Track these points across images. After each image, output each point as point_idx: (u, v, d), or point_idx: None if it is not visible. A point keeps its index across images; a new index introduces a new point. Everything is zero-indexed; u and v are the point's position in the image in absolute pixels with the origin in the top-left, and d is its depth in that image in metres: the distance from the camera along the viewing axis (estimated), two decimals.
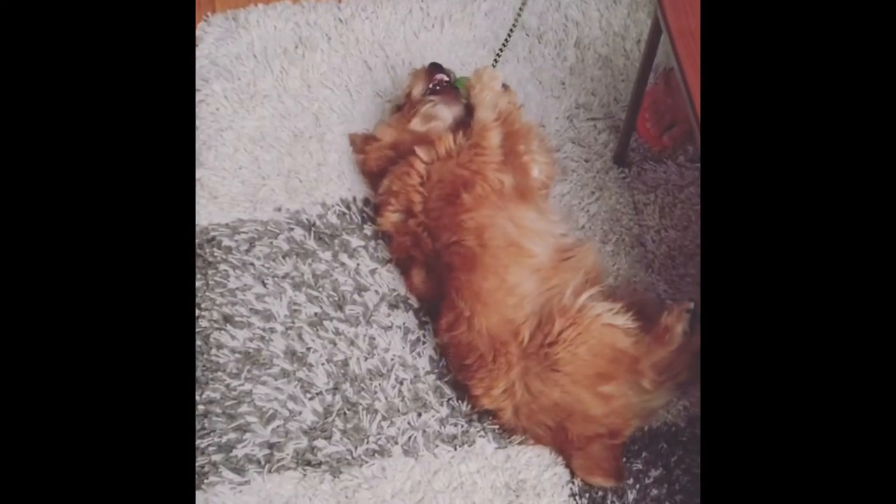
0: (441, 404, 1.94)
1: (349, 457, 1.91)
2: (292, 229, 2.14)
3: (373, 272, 2.08)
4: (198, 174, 2.20)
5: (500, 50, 2.19)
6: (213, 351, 2.01)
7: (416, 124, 2.05)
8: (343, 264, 2.09)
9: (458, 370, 1.91)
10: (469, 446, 1.90)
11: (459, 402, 1.94)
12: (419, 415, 1.94)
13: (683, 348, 1.84)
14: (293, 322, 2.04)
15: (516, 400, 1.82)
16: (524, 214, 1.92)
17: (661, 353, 1.81)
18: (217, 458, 1.91)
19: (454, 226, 1.88)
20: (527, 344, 1.80)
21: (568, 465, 1.87)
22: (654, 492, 1.85)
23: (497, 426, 1.90)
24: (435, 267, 1.94)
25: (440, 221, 1.91)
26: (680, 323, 1.83)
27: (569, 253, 1.93)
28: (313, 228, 2.13)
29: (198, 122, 2.27)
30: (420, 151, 1.97)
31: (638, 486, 1.85)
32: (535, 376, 1.79)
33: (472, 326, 1.83)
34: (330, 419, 1.94)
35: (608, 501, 1.84)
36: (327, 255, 2.10)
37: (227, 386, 1.98)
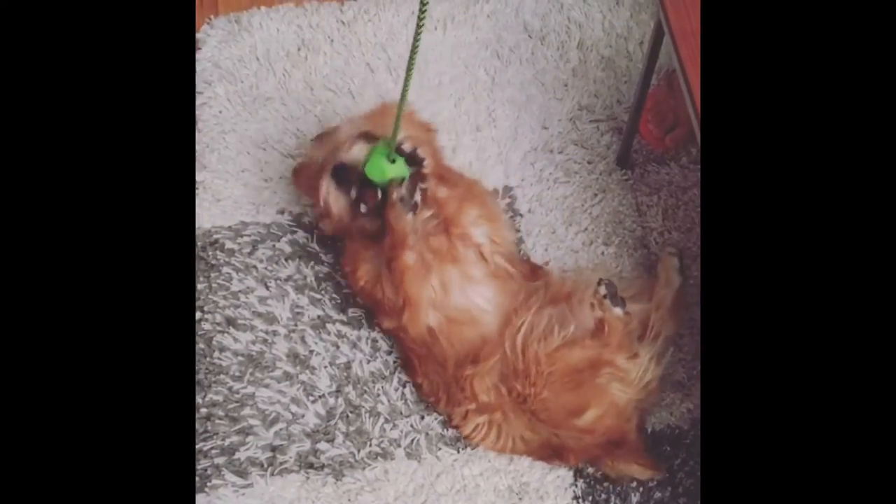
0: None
1: (352, 459, 1.91)
2: (295, 232, 2.14)
3: None
4: (201, 177, 2.20)
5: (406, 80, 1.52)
6: (216, 354, 2.01)
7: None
8: None
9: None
10: (472, 449, 1.90)
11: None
12: (422, 417, 1.94)
13: (661, 301, 1.89)
14: (296, 325, 2.04)
15: (503, 431, 1.84)
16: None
17: (627, 321, 1.81)
18: (220, 460, 1.91)
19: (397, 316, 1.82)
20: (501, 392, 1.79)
21: (599, 469, 1.86)
22: (658, 494, 1.84)
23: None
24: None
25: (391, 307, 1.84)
26: (673, 265, 1.93)
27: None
28: (316, 231, 2.12)
29: (201, 125, 2.27)
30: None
31: (641, 489, 1.84)
32: (520, 424, 1.81)
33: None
34: (333, 422, 1.94)
35: (611, 503, 1.84)
36: (330, 258, 2.10)
37: (230, 389, 1.98)
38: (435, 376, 1.87)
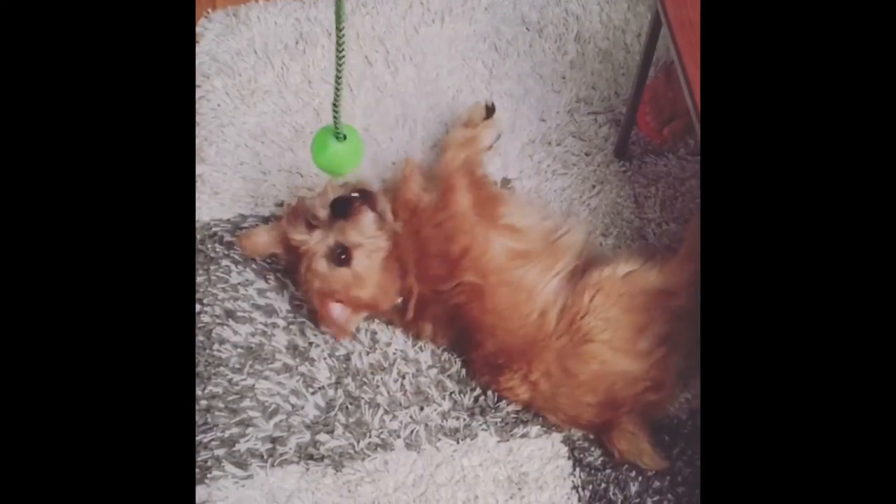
0: (443, 398, 1.95)
1: (351, 451, 1.91)
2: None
3: None
4: (199, 170, 2.21)
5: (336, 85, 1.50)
6: (216, 346, 2.01)
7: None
8: None
9: (490, 375, 1.91)
10: (471, 440, 1.91)
11: (461, 395, 1.95)
12: (421, 408, 1.94)
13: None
14: (295, 317, 2.04)
15: (553, 383, 1.82)
16: (505, 219, 1.91)
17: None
18: (220, 452, 1.91)
19: (450, 274, 1.86)
20: (556, 326, 1.81)
21: (612, 446, 1.85)
22: (657, 483, 1.85)
23: (530, 417, 1.92)
24: (441, 315, 1.92)
25: (436, 278, 1.88)
26: None
27: (557, 234, 1.95)
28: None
29: (199, 119, 2.27)
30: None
31: (640, 478, 1.85)
32: (570, 356, 1.80)
33: (496, 340, 1.85)
34: (332, 413, 1.94)
35: (611, 493, 1.84)
36: None
37: (230, 381, 1.98)
38: (504, 335, 1.84)
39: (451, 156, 1.97)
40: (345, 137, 1.54)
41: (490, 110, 2.11)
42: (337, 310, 1.87)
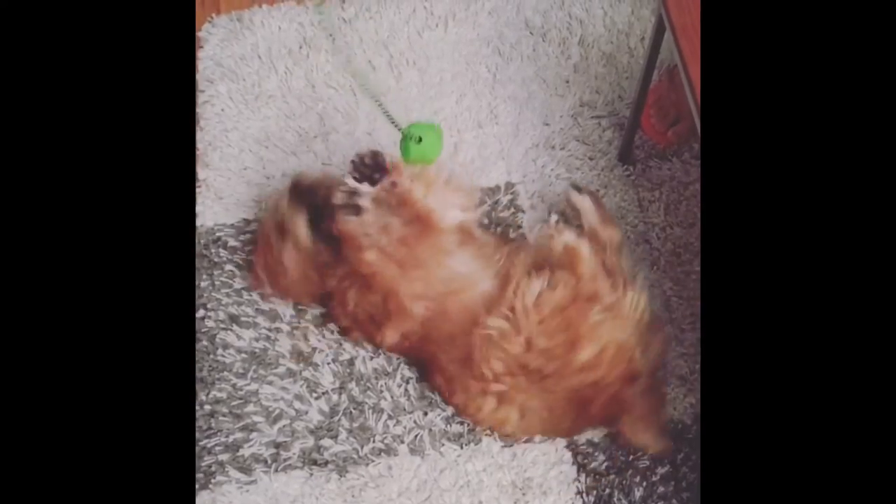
0: (447, 403, 1.94)
1: (355, 456, 1.91)
2: None
3: None
4: (203, 175, 2.21)
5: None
6: (220, 351, 2.01)
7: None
8: None
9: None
10: (475, 444, 1.91)
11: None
12: (425, 413, 1.94)
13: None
14: (299, 322, 2.04)
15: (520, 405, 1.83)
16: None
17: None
18: (224, 457, 1.91)
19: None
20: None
21: (616, 429, 1.85)
22: (661, 489, 1.85)
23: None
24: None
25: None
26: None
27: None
28: None
29: (203, 123, 2.27)
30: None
31: (644, 484, 1.85)
32: (536, 392, 1.80)
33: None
34: (336, 418, 1.94)
35: (615, 498, 1.84)
36: None
37: (234, 386, 1.98)
38: (449, 364, 1.85)
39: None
40: (420, 140, 1.82)
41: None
42: None
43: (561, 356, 1.76)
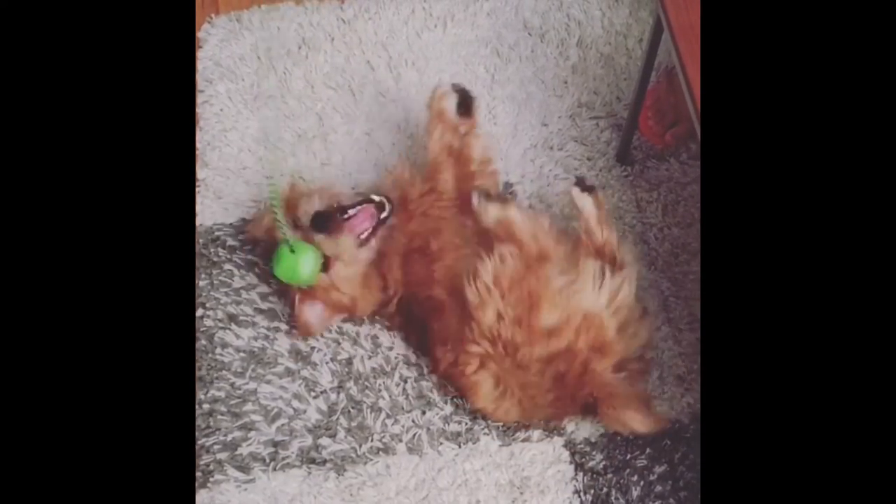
0: (445, 402, 1.95)
1: (354, 455, 1.91)
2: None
3: None
4: (202, 175, 2.21)
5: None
6: (218, 350, 2.02)
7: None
8: None
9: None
10: (473, 443, 1.91)
11: (463, 399, 1.95)
12: (423, 412, 1.94)
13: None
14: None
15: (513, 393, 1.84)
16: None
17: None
18: (222, 456, 1.92)
19: (427, 278, 1.90)
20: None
21: (602, 420, 1.86)
22: (658, 488, 1.85)
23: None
24: (411, 318, 1.98)
25: (417, 282, 1.92)
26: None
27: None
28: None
29: (202, 123, 2.28)
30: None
31: (642, 483, 1.85)
32: (513, 369, 1.81)
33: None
34: (334, 417, 1.95)
35: (612, 497, 1.84)
36: None
37: (232, 385, 1.99)
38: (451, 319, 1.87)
39: (433, 145, 2.00)
40: (293, 251, 1.84)
41: (463, 99, 2.04)
42: (312, 309, 1.93)
43: (526, 320, 1.77)
